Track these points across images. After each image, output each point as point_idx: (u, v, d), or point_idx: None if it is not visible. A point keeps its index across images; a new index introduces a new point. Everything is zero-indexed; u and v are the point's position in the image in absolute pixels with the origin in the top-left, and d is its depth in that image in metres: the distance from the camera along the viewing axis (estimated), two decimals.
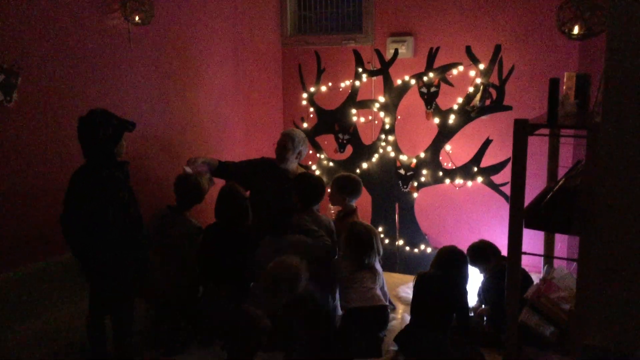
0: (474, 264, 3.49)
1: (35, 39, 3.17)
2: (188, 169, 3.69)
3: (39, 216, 3.22)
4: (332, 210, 4.15)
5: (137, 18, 3.56)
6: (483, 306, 3.48)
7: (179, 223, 3.48)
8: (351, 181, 3.89)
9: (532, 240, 3.13)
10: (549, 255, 3.26)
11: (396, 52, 4.19)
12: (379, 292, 3.43)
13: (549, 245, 3.33)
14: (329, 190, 4.00)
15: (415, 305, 3.28)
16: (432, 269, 3.34)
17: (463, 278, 3.32)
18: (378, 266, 3.63)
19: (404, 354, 3.18)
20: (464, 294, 3.26)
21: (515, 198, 2.40)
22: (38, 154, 3.24)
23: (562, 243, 3.83)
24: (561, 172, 3.17)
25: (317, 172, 4.43)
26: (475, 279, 3.62)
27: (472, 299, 3.49)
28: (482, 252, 3.46)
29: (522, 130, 2.34)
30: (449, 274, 3.25)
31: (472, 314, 3.42)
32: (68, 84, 3.36)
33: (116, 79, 3.67)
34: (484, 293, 3.47)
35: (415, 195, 4.28)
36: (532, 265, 3.83)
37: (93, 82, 3.51)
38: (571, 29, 2.56)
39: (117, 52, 3.66)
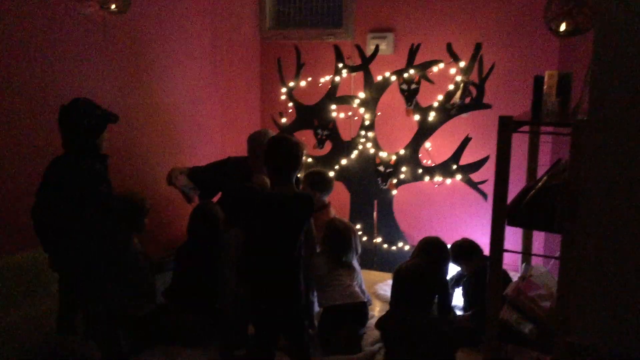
0: (456, 261, 3.50)
1: (6, 26, 3.04)
2: (181, 183, 3.63)
3: (12, 208, 3.09)
4: None
5: (113, 6, 3.44)
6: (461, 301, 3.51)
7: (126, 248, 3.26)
8: (322, 177, 3.89)
9: (509, 237, 3.14)
10: (527, 253, 3.27)
11: (377, 48, 4.16)
12: (357, 289, 3.41)
13: (527, 242, 3.34)
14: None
15: (395, 292, 3.28)
16: (413, 259, 3.36)
17: (443, 267, 3.36)
18: (356, 264, 3.61)
19: (386, 338, 3.16)
20: (444, 277, 3.31)
21: (498, 195, 2.40)
22: (8, 144, 3.12)
23: (539, 241, 3.86)
24: (539, 170, 3.19)
25: None
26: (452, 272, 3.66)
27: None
28: (465, 251, 3.47)
29: (507, 127, 2.34)
30: (429, 262, 3.27)
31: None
32: (40, 72, 3.25)
33: (90, 69, 3.56)
34: (465, 292, 3.48)
35: (394, 192, 4.27)
36: (509, 263, 3.84)
37: (66, 71, 3.40)
38: (558, 26, 2.56)
39: (92, 41, 3.55)
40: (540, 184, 2.54)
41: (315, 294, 3.49)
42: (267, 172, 2.84)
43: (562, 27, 2.54)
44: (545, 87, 2.65)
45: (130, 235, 3.30)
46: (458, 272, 3.67)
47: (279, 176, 2.75)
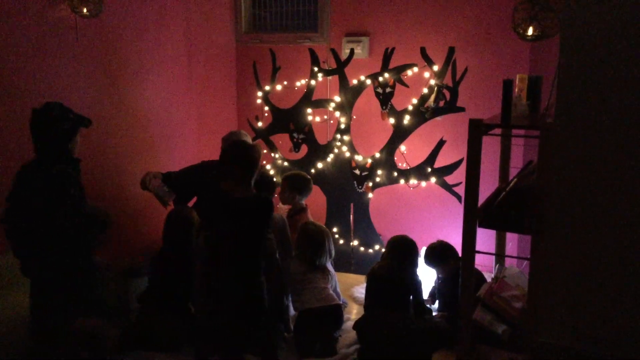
0: (432, 264, 3.51)
1: None
2: (156, 187, 3.58)
3: None
4: (283, 209, 4.12)
5: (84, 10, 3.41)
6: (436, 303, 3.52)
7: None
8: (301, 179, 3.90)
9: (483, 239, 3.18)
10: (500, 254, 3.30)
11: (352, 51, 4.18)
12: (332, 292, 3.42)
13: (500, 244, 3.38)
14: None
15: (369, 294, 3.31)
16: (384, 260, 3.38)
17: (414, 265, 3.44)
18: (330, 267, 3.62)
19: (363, 340, 3.18)
20: (416, 276, 3.38)
21: (469, 197, 2.42)
22: None
23: (513, 242, 3.90)
24: (512, 172, 3.22)
25: (272, 172, 4.38)
26: (429, 277, 3.66)
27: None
28: (440, 254, 3.48)
29: (477, 130, 2.36)
30: (401, 262, 3.33)
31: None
32: (10, 76, 3.19)
33: (61, 73, 3.51)
34: (440, 294, 3.50)
35: (370, 195, 4.28)
36: (483, 265, 3.88)
37: (38, 75, 3.35)
38: (525, 30, 2.60)
39: (63, 45, 3.50)
40: (511, 185, 2.57)
41: (290, 297, 3.49)
42: (227, 178, 2.87)
43: (529, 31, 2.58)
44: (516, 90, 2.69)
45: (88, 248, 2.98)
46: (436, 279, 3.68)
47: (238, 181, 2.80)
